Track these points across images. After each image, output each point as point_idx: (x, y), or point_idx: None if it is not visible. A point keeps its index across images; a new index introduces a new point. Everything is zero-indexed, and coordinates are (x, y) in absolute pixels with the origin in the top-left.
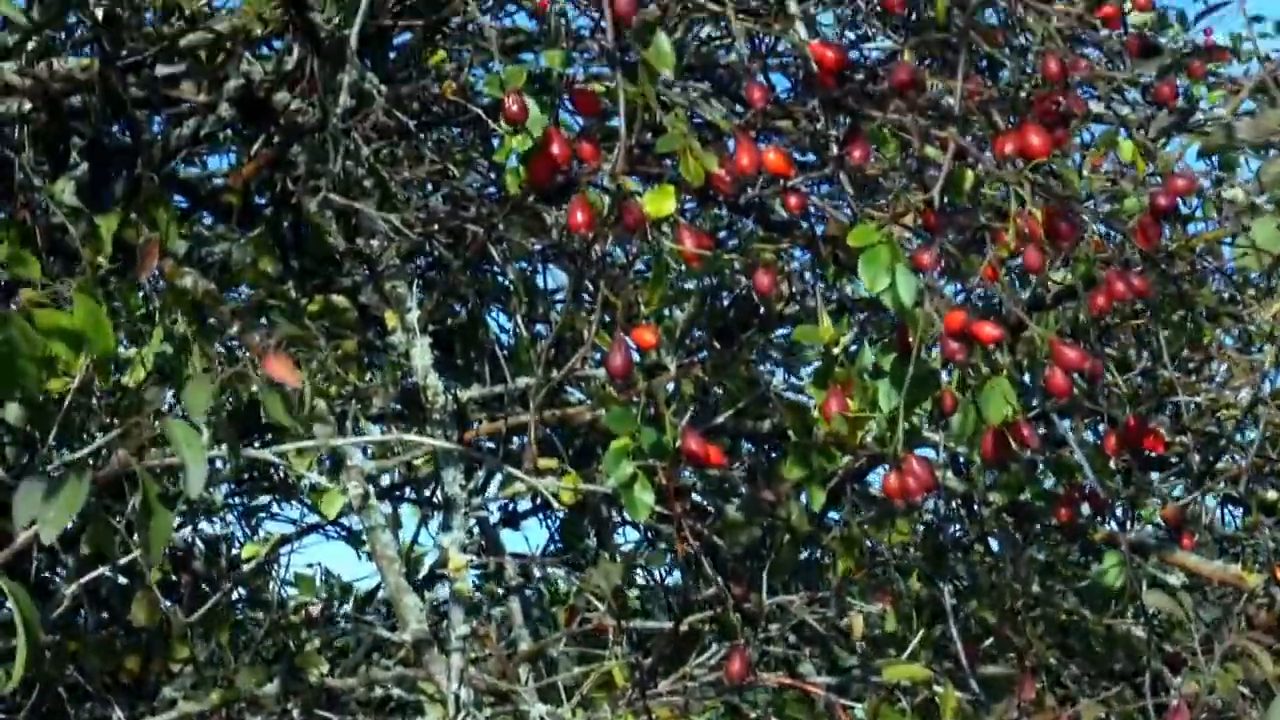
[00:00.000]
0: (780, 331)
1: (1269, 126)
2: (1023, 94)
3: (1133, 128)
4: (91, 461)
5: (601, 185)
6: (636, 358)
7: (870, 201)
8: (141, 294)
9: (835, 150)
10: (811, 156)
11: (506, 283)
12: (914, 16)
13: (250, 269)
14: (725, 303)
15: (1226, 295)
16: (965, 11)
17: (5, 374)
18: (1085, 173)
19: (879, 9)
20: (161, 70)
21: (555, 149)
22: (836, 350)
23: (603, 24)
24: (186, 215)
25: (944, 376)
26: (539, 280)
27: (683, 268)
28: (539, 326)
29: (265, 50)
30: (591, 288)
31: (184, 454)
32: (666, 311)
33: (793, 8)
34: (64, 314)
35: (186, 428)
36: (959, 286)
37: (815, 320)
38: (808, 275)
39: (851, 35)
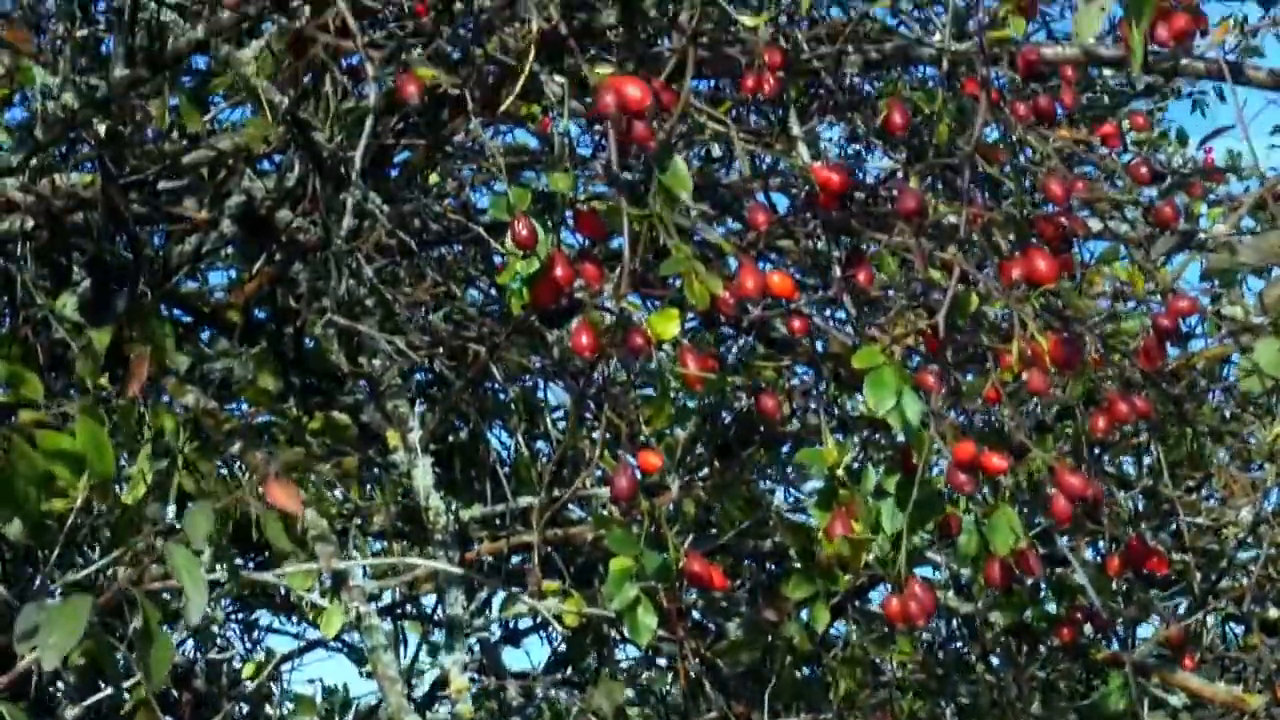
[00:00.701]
0: (782, 448)
1: (1271, 248)
2: (1024, 212)
3: (1132, 246)
4: (93, 581)
5: (605, 306)
6: (639, 477)
7: (871, 318)
8: (140, 410)
9: (839, 272)
10: (812, 272)
11: (508, 400)
12: (916, 139)
13: (251, 386)
14: (726, 420)
15: (1228, 414)
16: (966, 134)
17: (4, 495)
18: (1083, 291)
19: (880, 130)
20: (163, 186)
21: (559, 271)
22: (840, 472)
23: (604, 143)
24: (189, 331)
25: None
26: (539, 396)
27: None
28: (539, 443)
29: (266, 164)
30: (594, 407)
31: (184, 582)
32: (667, 430)
33: (795, 130)
34: (65, 435)
35: (187, 555)
36: (960, 409)
37: (817, 436)
38: (809, 391)
39: (851, 150)
